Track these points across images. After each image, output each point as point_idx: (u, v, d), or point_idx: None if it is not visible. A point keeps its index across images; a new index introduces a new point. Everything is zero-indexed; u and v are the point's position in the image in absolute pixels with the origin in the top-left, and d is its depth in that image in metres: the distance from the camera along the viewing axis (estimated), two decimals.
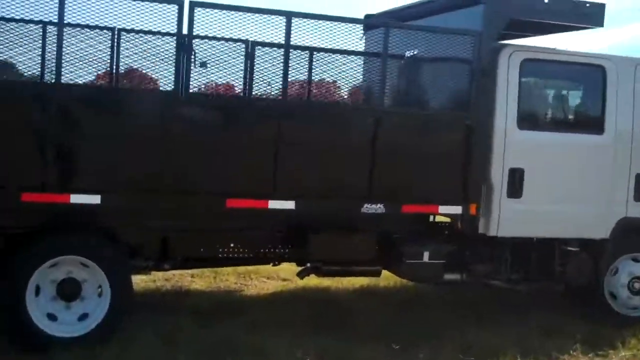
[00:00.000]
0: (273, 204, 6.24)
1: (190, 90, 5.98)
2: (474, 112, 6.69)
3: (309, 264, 7.27)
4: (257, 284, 8.64)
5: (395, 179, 6.53)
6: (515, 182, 7.01)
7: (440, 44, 6.65)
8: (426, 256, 7.00)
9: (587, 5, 6.83)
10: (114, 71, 6.54)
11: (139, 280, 7.79)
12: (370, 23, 7.31)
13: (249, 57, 6.23)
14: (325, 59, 6.63)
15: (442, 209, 6.75)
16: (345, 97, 6.93)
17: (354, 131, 6.47)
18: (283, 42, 6.09)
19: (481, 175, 6.98)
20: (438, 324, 7.06)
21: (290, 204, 6.29)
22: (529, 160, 7.08)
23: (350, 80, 6.71)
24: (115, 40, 6.40)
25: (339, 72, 6.61)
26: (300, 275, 7.50)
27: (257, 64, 6.24)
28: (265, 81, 6.22)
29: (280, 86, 6.17)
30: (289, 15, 6.07)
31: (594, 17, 6.92)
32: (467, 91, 6.67)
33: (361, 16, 8.03)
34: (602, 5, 6.91)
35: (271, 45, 6.23)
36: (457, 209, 6.75)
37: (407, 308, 7.72)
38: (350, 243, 6.82)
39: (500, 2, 6.61)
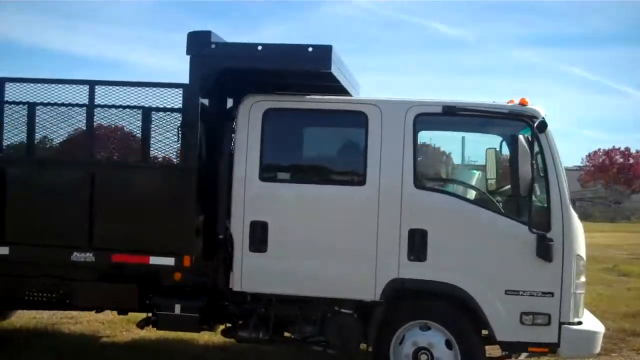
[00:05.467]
0: None
1: None
2: (191, 164, 6.68)
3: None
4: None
5: (105, 228, 6.77)
6: (257, 236, 6.75)
7: (160, 97, 6.85)
8: (178, 309, 7.01)
9: (310, 49, 6.48)
10: None
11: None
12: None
13: None
14: None
15: (154, 259, 6.73)
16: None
17: (63, 181, 6.90)
18: None
19: (221, 228, 6.88)
20: None
21: (4, 250, 6.88)
22: (275, 213, 6.77)
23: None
24: None
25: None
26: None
27: None
28: None
29: None
30: None
31: (320, 61, 6.50)
32: (179, 141, 6.74)
33: None
34: (329, 48, 6.47)
35: None
36: (169, 261, 6.72)
37: None
38: (105, 292, 7.14)
39: (204, 52, 6.58)
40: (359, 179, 6.73)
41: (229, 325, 7.43)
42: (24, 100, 6.94)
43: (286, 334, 7.21)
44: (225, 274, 6.94)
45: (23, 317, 9.62)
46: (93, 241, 6.78)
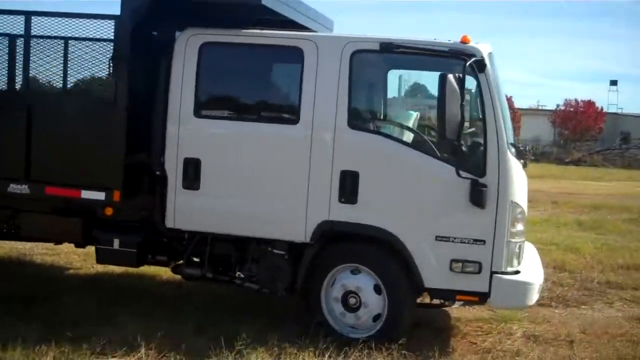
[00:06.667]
0: None
1: None
2: (121, 98, 6.59)
3: None
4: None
5: (39, 161, 6.80)
6: (190, 173, 6.68)
7: (96, 29, 6.77)
8: (116, 243, 7.04)
9: None
10: None
11: None
12: None
13: None
14: None
15: (85, 193, 6.72)
16: None
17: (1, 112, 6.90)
18: None
19: (156, 164, 6.83)
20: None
21: None
22: (207, 151, 6.69)
23: None
24: None
25: None
26: None
27: None
28: None
29: None
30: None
31: None
32: (111, 74, 6.67)
33: None
34: None
35: None
36: (100, 195, 6.71)
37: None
38: (50, 224, 7.22)
39: None
40: (292, 117, 6.56)
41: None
42: None
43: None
44: (161, 210, 6.90)
45: (3, 248, 9.86)
46: (28, 173, 6.81)
